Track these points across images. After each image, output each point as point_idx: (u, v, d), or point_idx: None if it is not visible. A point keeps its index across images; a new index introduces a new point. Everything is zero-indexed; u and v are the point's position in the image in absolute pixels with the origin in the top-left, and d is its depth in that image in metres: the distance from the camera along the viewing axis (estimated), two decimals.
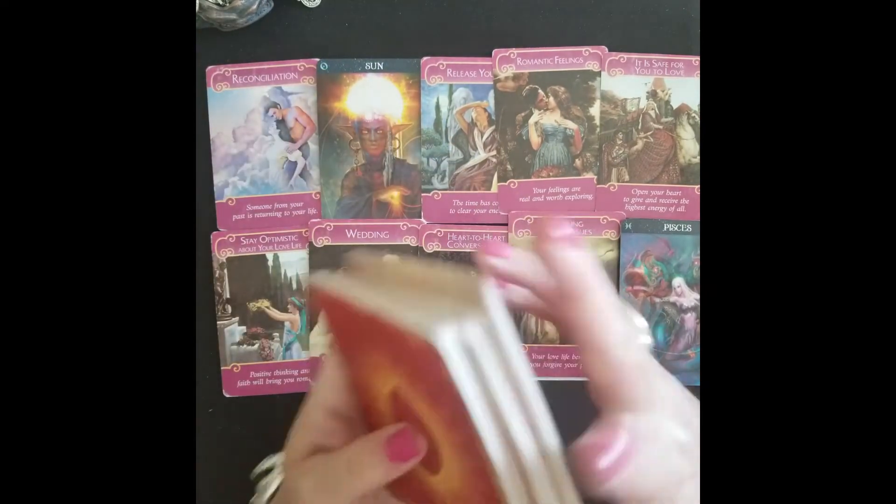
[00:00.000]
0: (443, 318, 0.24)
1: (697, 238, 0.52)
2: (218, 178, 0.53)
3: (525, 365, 0.25)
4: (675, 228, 0.52)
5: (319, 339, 0.53)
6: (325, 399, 0.33)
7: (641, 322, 0.31)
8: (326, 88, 0.52)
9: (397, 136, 0.53)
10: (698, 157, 0.52)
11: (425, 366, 0.25)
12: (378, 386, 0.31)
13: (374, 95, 0.52)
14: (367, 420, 0.34)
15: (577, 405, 0.29)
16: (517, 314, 0.32)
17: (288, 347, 0.53)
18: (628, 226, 0.52)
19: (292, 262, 0.53)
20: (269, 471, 0.41)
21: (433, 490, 0.31)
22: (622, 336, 0.28)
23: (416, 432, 0.29)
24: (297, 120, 0.53)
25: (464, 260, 0.53)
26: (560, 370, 0.53)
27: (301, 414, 0.33)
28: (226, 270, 0.53)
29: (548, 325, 0.53)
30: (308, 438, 0.32)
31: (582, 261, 0.28)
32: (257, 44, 0.52)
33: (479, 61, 0.52)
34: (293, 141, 0.53)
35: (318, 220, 0.53)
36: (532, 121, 0.53)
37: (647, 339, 0.30)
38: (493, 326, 0.24)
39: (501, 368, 0.25)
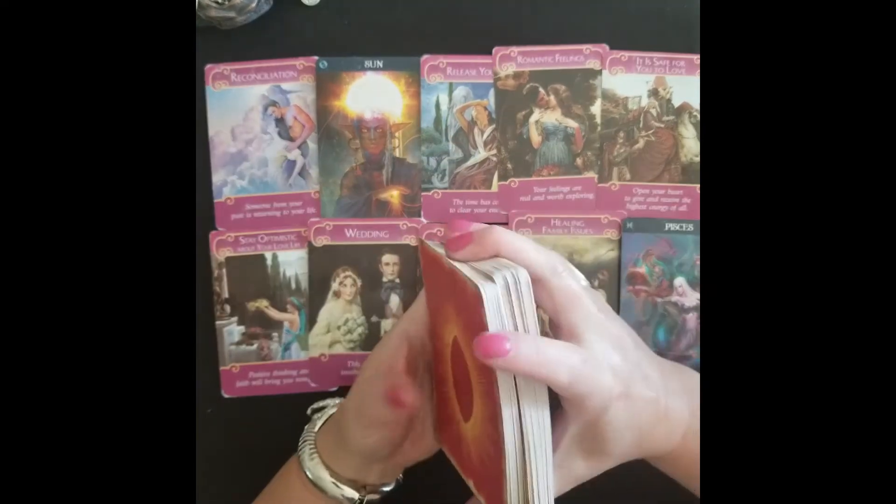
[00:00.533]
0: (488, 276, 0.32)
1: (699, 237, 0.52)
2: (216, 177, 0.52)
3: (536, 321, 0.33)
4: (677, 228, 0.52)
5: (318, 340, 0.53)
6: (406, 329, 0.41)
7: (580, 275, 0.37)
8: (326, 87, 0.52)
9: (397, 134, 0.53)
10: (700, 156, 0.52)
11: (474, 310, 0.32)
12: (446, 336, 0.38)
13: (373, 94, 0.52)
14: (435, 361, 0.42)
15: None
16: None
17: (287, 347, 0.53)
18: (630, 225, 0.52)
19: (291, 262, 0.53)
20: (321, 409, 0.47)
21: (464, 435, 0.38)
22: (548, 264, 0.34)
23: (408, 389, 0.38)
24: (296, 118, 0.52)
25: None
26: None
27: (384, 336, 0.43)
28: (224, 270, 0.52)
29: None
30: (382, 356, 0.40)
31: (484, 228, 0.35)
32: (256, 42, 0.52)
33: (480, 59, 0.52)
34: (292, 139, 0.53)
35: (318, 219, 0.52)
36: (533, 119, 0.52)
37: (584, 282, 0.37)
38: (520, 285, 0.32)
39: (520, 319, 0.32)
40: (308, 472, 0.43)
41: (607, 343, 0.34)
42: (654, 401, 0.36)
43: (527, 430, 0.32)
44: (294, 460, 0.44)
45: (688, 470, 0.39)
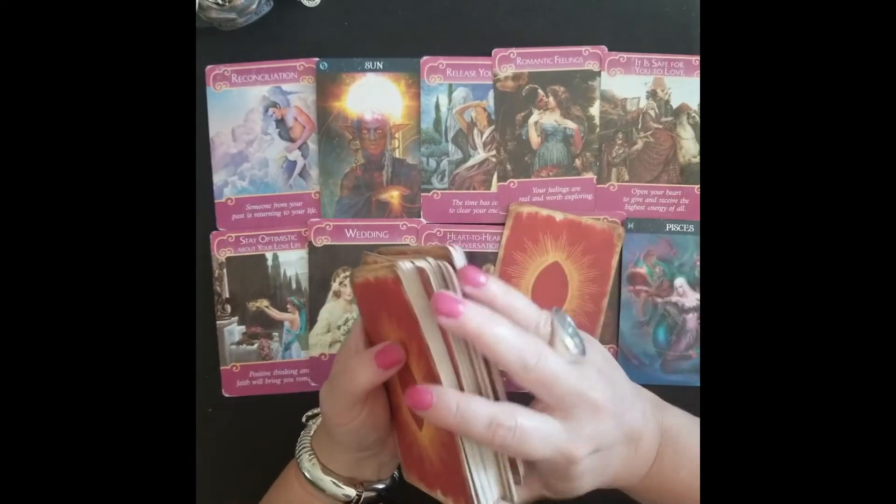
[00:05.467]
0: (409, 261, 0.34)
1: (699, 238, 0.52)
2: (217, 178, 0.53)
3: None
4: (678, 228, 0.52)
5: (319, 339, 0.53)
6: (359, 328, 0.42)
7: (571, 343, 0.37)
8: (326, 88, 0.52)
9: (397, 135, 0.53)
10: (698, 157, 0.52)
11: (399, 298, 0.34)
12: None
13: (373, 95, 0.52)
14: (388, 393, 0.43)
15: None
16: None
17: (287, 347, 0.53)
18: (631, 225, 0.52)
19: (292, 262, 0.53)
20: (316, 415, 0.47)
21: (423, 448, 0.39)
22: (518, 362, 0.34)
23: (397, 347, 0.38)
24: (296, 119, 0.53)
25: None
26: None
27: (341, 345, 0.43)
28: (225, 270, 0.53)
29: None
30: (344, 350, 0.42)
31: (471, 311, 0.33)
32: (257, 43, 0.52)
33: (479, 61, 0.52)
34: (292, 140, 0.53)
35: (318, 219, 0.53)
36: (532, 120, 0.53)
37: (572, 349, 0.37)
38: (446, 268, 0.34)
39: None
40: (307, 473, 0.44)
41: (584, 413, 0.36)
42: (627, 456, 0.39)
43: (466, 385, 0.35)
44: (293, 464, 0.45)
45: (655, 500, 0.42)
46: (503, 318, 0.34)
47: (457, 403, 0.33)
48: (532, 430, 0.34)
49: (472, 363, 0.35)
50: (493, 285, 0.35)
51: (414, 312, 0.34)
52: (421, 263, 0.34)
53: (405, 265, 0.34)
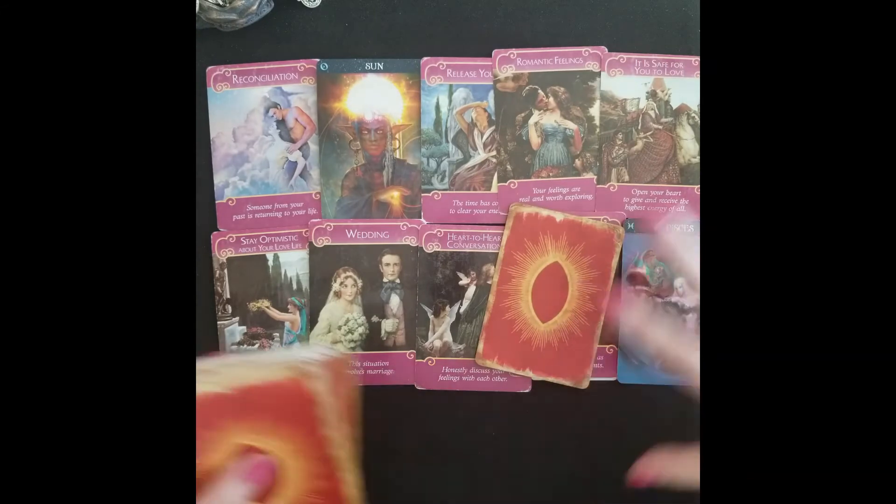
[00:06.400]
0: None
1: (699, 238, 0.52)
2: (218, 179, 0.53)
3: None
4: (678, 229, 0.52)
5: (319, 339, 0.53)
6: None
7: None
8: (326, 88, 0.52)
9: (397, 136, 0.53)
10: (698, 158, 0.53)
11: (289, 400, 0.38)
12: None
13: (374, 95, 0.52)
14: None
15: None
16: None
17: (288, 348, 0.53)
18: (630, 225, 0.53)
19: (292, 262, 0.53)
20: None
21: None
22: None
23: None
24: (297, 120, 0.53)
25: (463, 260, 0.53)
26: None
27: None
28: (226, 270, 0.53)
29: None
30: None
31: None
32: (257, 44, 0.52)
33: (479, 61, 0.52)
34: (293, 141, 0.53)
35: (319, 220, 0.53)
36: (532, 121, 0.53)
37: None
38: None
39: None
40: None
41: None
42: None
43: None
44: None
45: None
46: None
47: None
48: None
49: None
50: None
51: (322, 409, 0.37)
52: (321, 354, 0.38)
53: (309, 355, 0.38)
